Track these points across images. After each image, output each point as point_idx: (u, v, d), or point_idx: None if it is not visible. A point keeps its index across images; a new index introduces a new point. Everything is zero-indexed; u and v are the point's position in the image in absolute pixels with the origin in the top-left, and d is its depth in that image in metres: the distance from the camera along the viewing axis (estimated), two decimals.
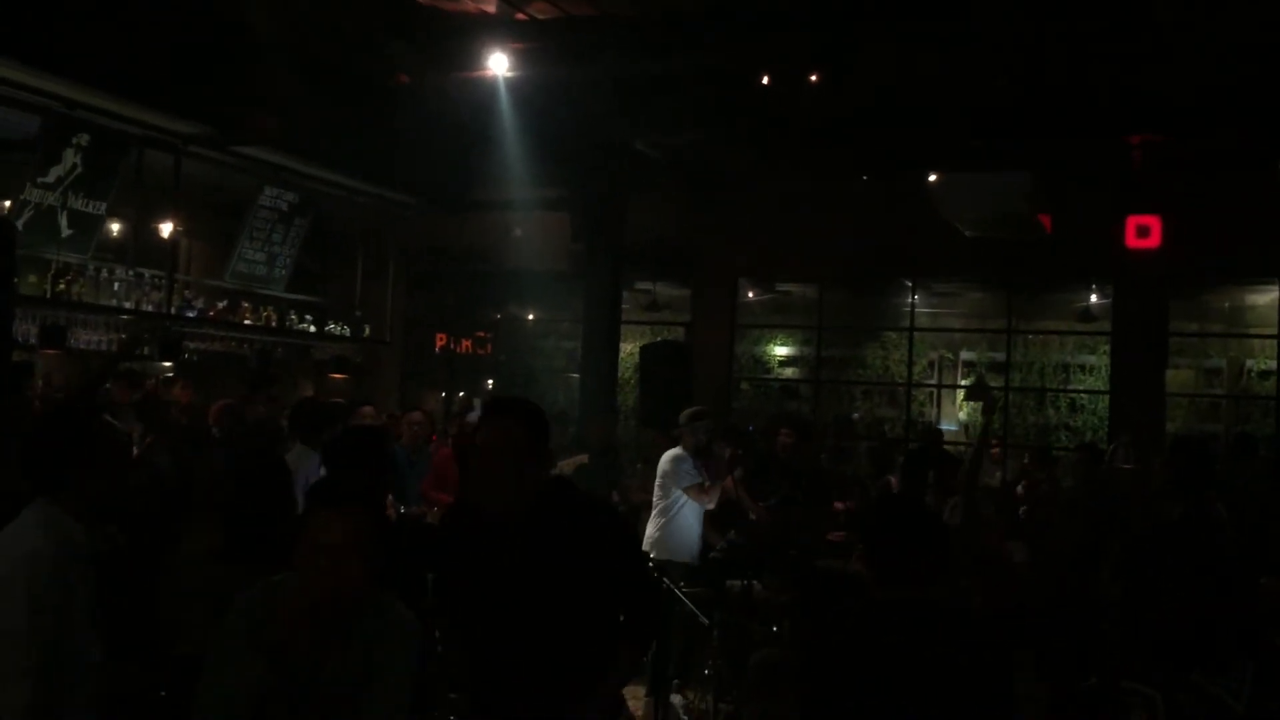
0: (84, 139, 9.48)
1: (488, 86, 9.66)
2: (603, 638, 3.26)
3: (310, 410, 7.17)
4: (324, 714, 2.68)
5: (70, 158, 9.46)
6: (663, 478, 7.59)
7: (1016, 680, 3.07)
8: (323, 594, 2.65)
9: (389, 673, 2.72)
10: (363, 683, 2.69)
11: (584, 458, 8.47)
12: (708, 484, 7.48)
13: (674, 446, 7.67)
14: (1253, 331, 13.26)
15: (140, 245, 10.73)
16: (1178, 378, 13.11)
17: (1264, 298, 13.04)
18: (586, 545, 3.24)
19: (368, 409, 8.87)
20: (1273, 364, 12.70)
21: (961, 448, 13.81)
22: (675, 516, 7.47)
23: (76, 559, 3.07)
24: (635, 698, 6.96)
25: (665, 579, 6.35)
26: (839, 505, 8.64)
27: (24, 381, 7.37)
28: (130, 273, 10.46)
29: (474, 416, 8.46)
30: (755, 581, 7.13)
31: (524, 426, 3.25)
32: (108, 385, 9.82)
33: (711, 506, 7.58)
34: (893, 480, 10.73)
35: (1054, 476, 9.50)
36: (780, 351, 15.02)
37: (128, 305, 10.35)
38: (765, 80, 9.82)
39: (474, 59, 9.37)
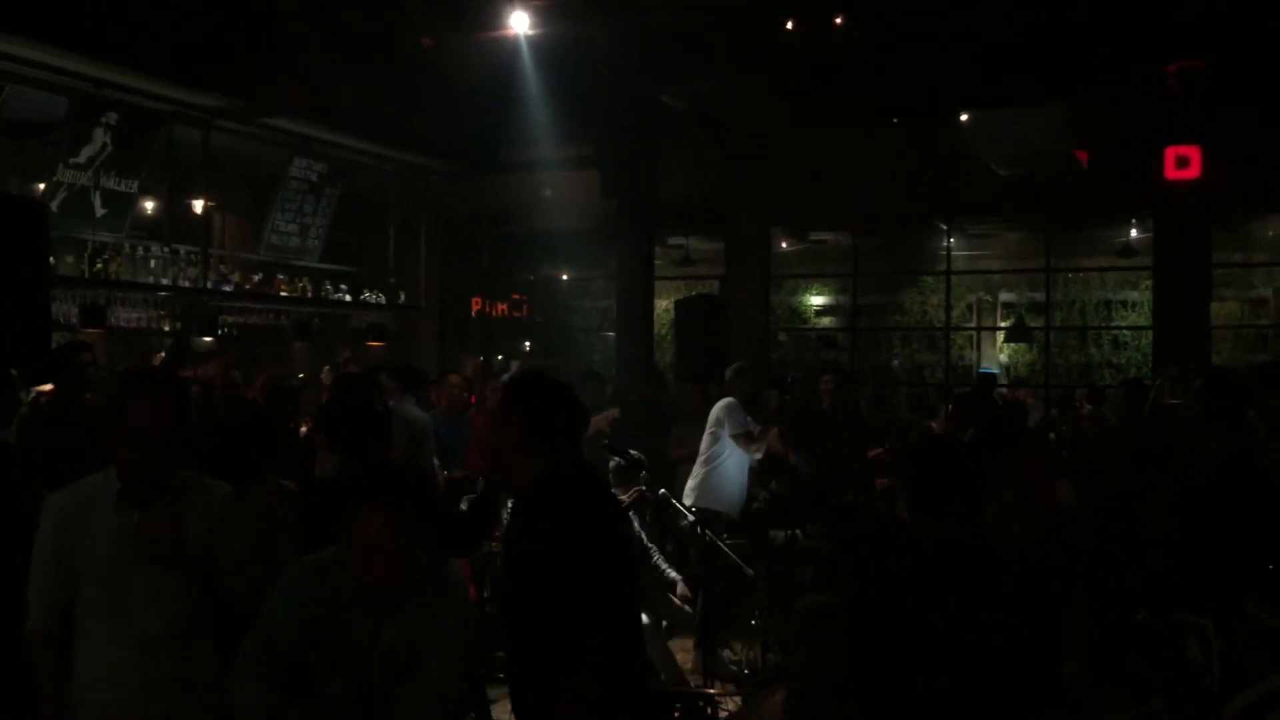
0: (113, 118, 9.52)
1: (510, 45, 9.62)
2: (545, 651, 3.03)
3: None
4: (381, 682, 2.74)
5: (100, 137, 9.51)
6: (714, 425, 7.63)
7: (1065, 616, 3.04)
8: (371, 587, 2.72)
9: (442, 639, 2.79)
10: (417, 649, 2.77)
11: (615, 412, 8.48)
12: (756, 432, 7.50)
13: (717, 401, 7.70)
14: None
15: (174, 221, 10.79)
16: (1222, 309, 12.90)
17: None
18: (536, 560, 3.05)
19: (454, 377, 8.92)
20: None
21: (1003, 389, 13.75)
22: (719, 466, 7.52)
23: None
24: (684, 650, 7.00)
25: (708, 532, 6.37)
26: (875, 451, 8.60)
27: (78, 357, 7.43)
28: (165, 249, 10.54)
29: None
30: (799, 531, 7.13)
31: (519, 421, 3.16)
32: (159, 360, 9.94)
33: (759, 455, 7.60)
34: (934, 426, 10.70)
35: (1100, 414, 9.40)
36: (816, 301, 14.93)
37: (164, 282, 10.43)
38: (790, 25, 9.69)
39: (495, 18, 9.32)
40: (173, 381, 3.21)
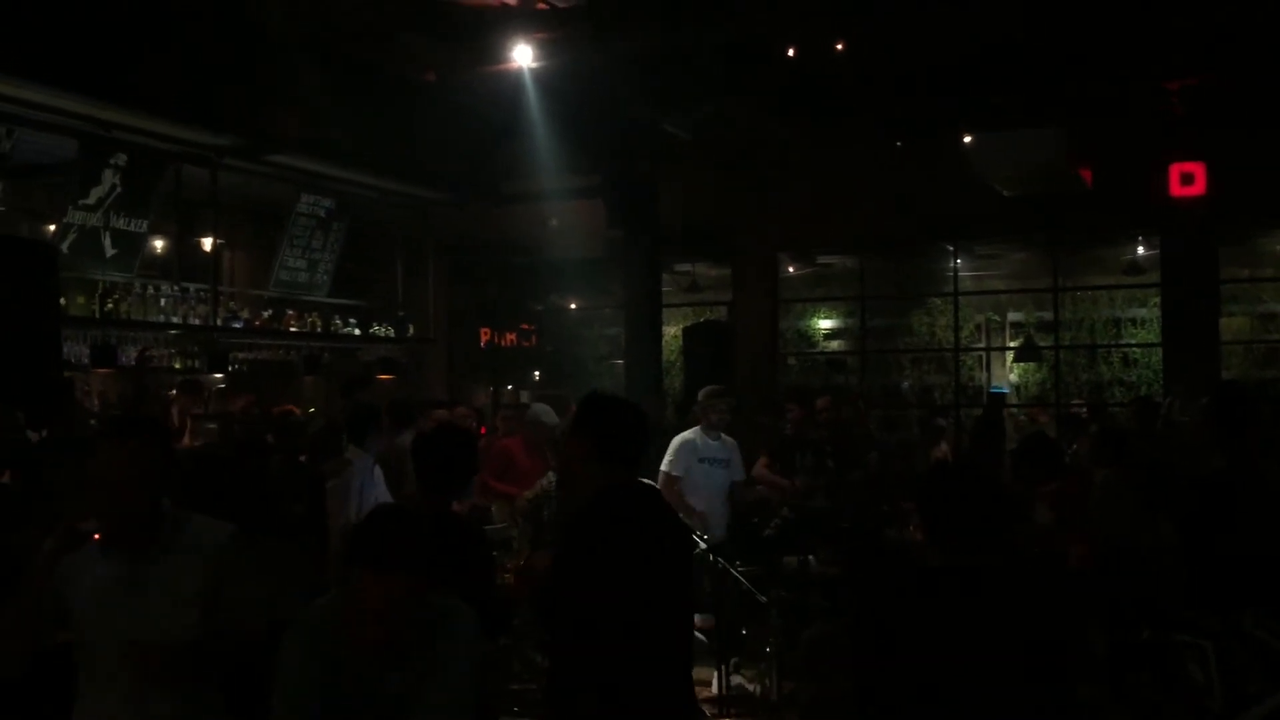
0: (121, 159, 9.62)
1: (513, 78, 9.68)
2: (590, 662, 3.24)
3: (358, 413, 7.25)
4: (390, 716, 2.79)
5: (109, 178, 9.60)
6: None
7: (1082, 641, 3.03)
8: (365, 648, 2.76)
9: (450, 671, 2.82)
10: (426, 681, 2.80)
11: None
12: (674, 475, 7.42)
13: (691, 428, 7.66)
14: None
15: (183, 260, 10.87)
16: (1232, 325, 12.86)
17: None
18: (587, 570, 3.26)
19: (461, 409, 8.94)
20: None
21: (1014, 409, 13.71)
22: (685, 495, 7.45)
23: None
24: (696, 678, 6.97)
25: (720, 559, 6.36)
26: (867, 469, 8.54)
27: (67, 397, 7.49)
28: (175, 288, 10.61)
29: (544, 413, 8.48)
30: (810, 557, 7.10)
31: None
32: (172, 395, 10.00)
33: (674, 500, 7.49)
34: (944, 448, 10.68)
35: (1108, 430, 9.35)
36: (824, 324, 14.94)
37: (175, 320, 10.50)
38: (791, 52, 9.74)
39: (498, 51, 9.39)
40: (139, 429, 3.14)
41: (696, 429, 7.63)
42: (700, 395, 7.71)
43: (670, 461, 7.47)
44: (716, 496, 7.56)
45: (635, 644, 3.17)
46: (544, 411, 8.46)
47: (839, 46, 9.61)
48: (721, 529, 7.54)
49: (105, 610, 3.02)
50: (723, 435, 7.65)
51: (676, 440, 7.59)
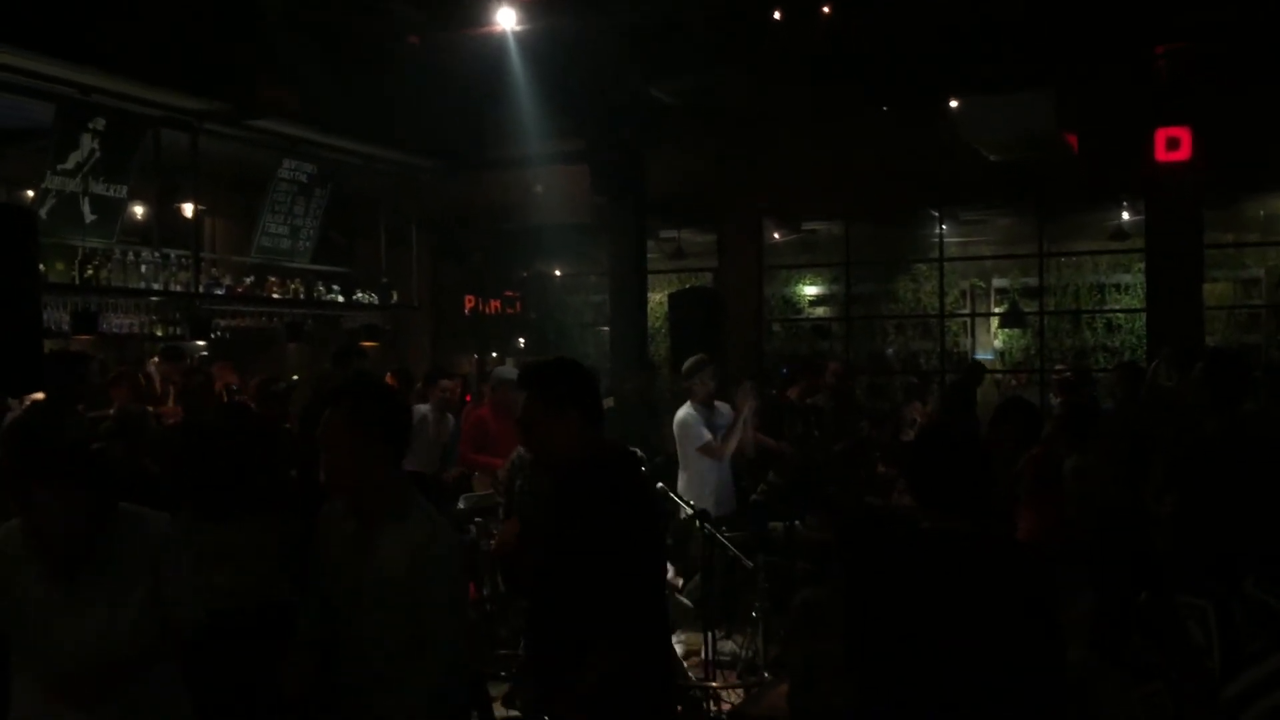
0: (100, 123, 9.48)
1: (498, 42, 9.58)
2: (581, 626, 3.21)
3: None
4: (379, 600, 3.01)
5: (88, 143, 9.47)
6: (678, 441, 7.56)
7: (1066, 601, 3.03)
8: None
9: (435, 568, 3.01)
10: (412, 576, 2.99)
11: (609, 401, 8.39)
12: (717, 443, 7.40)
13: (685, 403, 7.60)
14: None
15: (164, 226, 10.75)
16: (1215, 290, 12.91)
17: None
18: (589, 530, 3.24)
19: (444, 382, 8.90)
20: None
21: (1000, 376, 13.77)
22: (694, 472, 7.45)
23: None
24: (683, 643, 7.00)
25: (708, 525, 6.37)
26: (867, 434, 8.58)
27: (83, 368, 7.41)
28: (156, 254, 10.50)
29: (508, 371, 8.42)
30: (797, 522, 7.12)
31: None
32: (154, 363, 9.93)
33: (724, 458, 7.49)
34: (917, 406, 10.72)
35: (1093, 396, 9.40)
36: (810, 291, 14.93)
37: (156, 286, 10.40)
38: (777, 16, 9.67)
39: (481, 14, 9.29)
40: (69, 473, 2.98)
41: (687, 405, 7.58)
42: (685, 369, 7.64)
43: (699, 433, 7.39)
44: (719, 468, 7.53)
45: (624, 609, 3.21)
46: (509, 371, 8.39)
47: (825, 10, 9.53)
48: (731, 502, 7.53)
49: (43, 610, 2.99)
50: (716, 403, 7.60)
51: (681, 417, 7.52)
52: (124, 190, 9.94)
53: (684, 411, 7.54)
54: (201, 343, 10.75)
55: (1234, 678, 2.29)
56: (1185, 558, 2.45)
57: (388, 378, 9.07)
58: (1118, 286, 13.65)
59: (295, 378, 10.94)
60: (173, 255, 10.72)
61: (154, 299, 10.46)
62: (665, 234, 14.47)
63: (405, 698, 2.98)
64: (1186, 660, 2.31)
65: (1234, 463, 2.46)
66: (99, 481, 3.00)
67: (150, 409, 7.30)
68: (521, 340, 14.31)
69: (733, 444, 7.42)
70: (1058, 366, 12.51)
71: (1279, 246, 13.14)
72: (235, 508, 4.05)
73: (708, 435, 7.40)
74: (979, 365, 12.23)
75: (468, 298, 13.87)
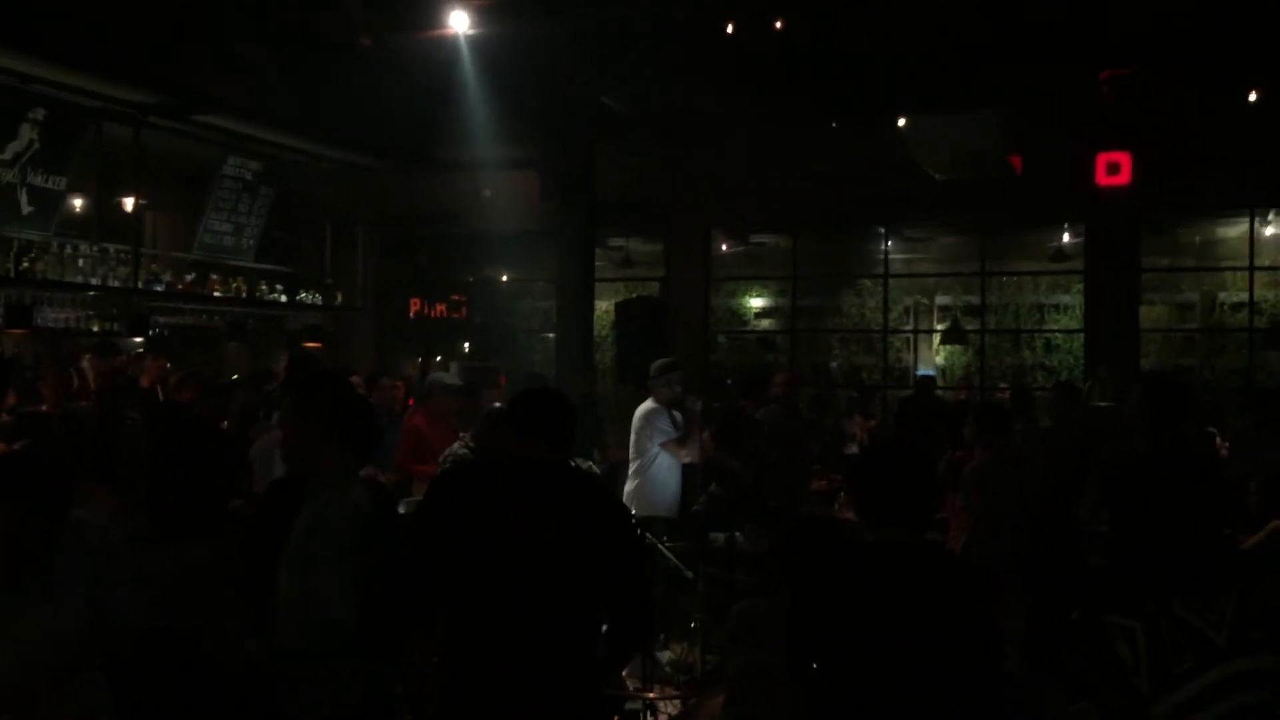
0: (40, 113, 9.31)
1: (450, 45, 9.53)
2: (583, 631, 3.24)
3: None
4: (291, 564, 3.25)
5: (27, 133, 9.30)
6: (636, 434, 7.49)
7: (1000, 617, 3.07)
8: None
9: (333, 536, 3.22)
10: (314, 539, 3.23)
11: None
12: (683, 439, 7.44)
13: (646, 400, 7.61)
14: (1224, 264, 13.33)
15: (103, 220, 10.57)
16: (1151, 313, 13.18)
17: (1234, 230, 13.10)
18: (586, 529, 3.25)
19: (355, 378, 8.79)
20: (1244, 296, 12.77)
21: (940, 391, 13.94)
22: (650, 472, 7.42)
23: None
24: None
25: (648, 534, 6.36)
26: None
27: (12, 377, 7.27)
28: (95, 248, 10.32)
29: (446, 377, 8.35)
30: (738, 534, 7.14)
31: None
32: (86, 359, 9.73)
33: (689, 460, 7.53)
34: (858, 420, 10.81)
35: (1031, 416, 9.54)
36: (756, 303, 15.01)
37: (94, 281, 10.21)
38: (730, 28, 9.72)
39: (435, 17, 9.23)
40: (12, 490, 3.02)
41: (651, 402, 7.57)
42: (653, 369, 7.63)
43: (662, 430, 7.39)
44: (677, 470, 7.54)
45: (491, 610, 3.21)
46: (444, 377, 8.31)
47: (778, 24, 9.59)
48: (676, 510, 7.52)
49: None
50: (672, 411, 7.60)
51: (646, 410, 7.51)
52: (63, 182, 9.77)
53: (647, 406, 7.49)
54: (138, 339, 10.57)
55: (1161, 698, 2.33)
56: (1117, 576, 2.49)
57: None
58: (1057, 307, 13.88)
59: (235, 377, 10.79)
60: (112, 250, 10.54)
61: (91, 294, 10.28)
62: (614, 242, 14.48)
63: (310, 666, 3.21)
64: (1115, 679, 2.35)
65: (1164, 483, 2.51)
66: (45, 495, 3.02)
67: (83, 404, 7.16)
68: (466, 345, 14.23)
69: (693, 445, 7.43)
70: (1001, 385, 12.69)
71: (1214, 272, 13.44)
72: (191, 527, 3.95)
73: (672, 431, 7.40)
74: (930, 380, 12.39)
75: (413, 300, 13.79)
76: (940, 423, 9.55)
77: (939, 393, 13.87)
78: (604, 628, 3.37)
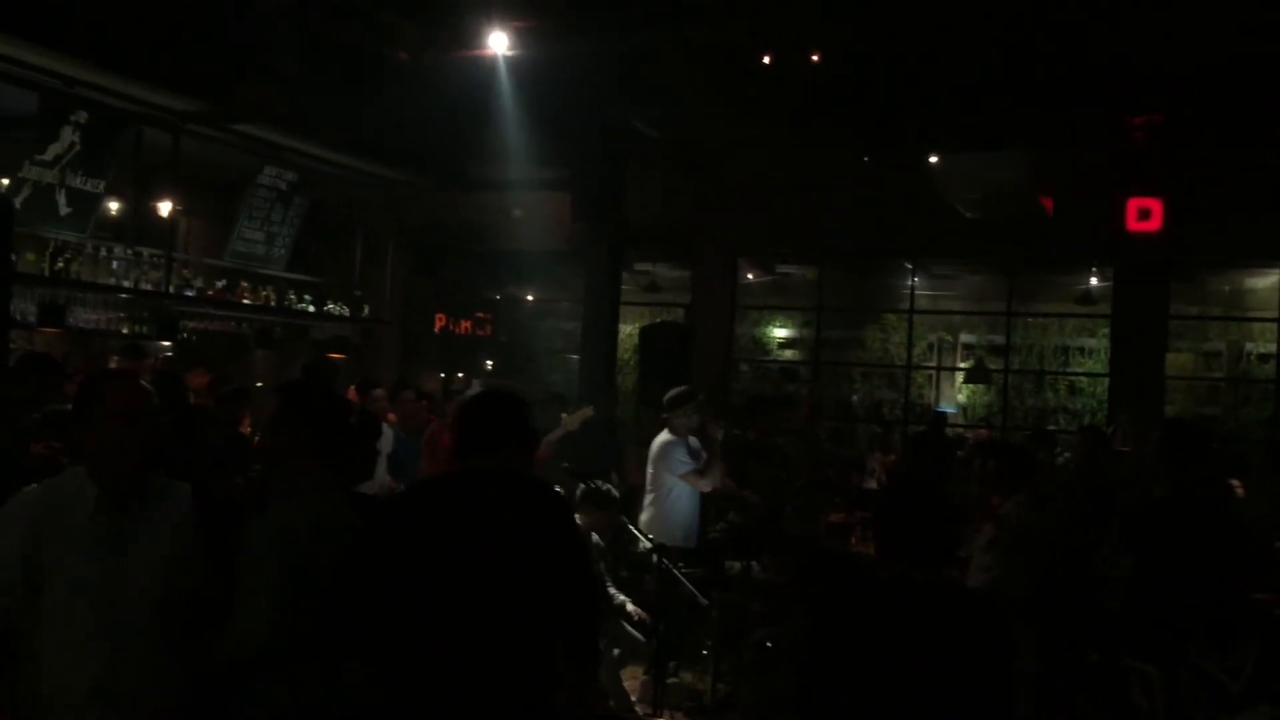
0: (82, 116, 9.43)
1: (487, 64, 9.64)
2: (539, 649, 3.10)
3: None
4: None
5: (68, 135, 9.41)
6: (654, 465, 7.50)
7: (1016, 659, 3.07)
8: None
9: (272, 551, 3.11)
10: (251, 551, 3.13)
11: (589, 411, 8.30)
12: (703, 469, 7.44)
13: (663, 430, 7.61)
14: (1252, 315, 13.26)
15: (139, 224, 10.68)
16: (1177, 361, 13.11)
17: (1264, 281, 13.03)
18: (534, 542, 3.10)
19: (379, 391, 8.84)
20: (1272, 347, 12.70)
21: (961, 430, 13.90)
22: (668, 501, 7.43)
23: None
24: (634, 677, 6.98)
25: (664, 560, 6.37)
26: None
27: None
28: (129, 251, 10.42)
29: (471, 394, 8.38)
30: (754, 563, 7.14)
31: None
32: (115, 361, 9.81)
33: (710, 489, 7.53)
34: (878, 455, 10.79)
35: (1050, 459, 9.50)
36: (780, 333, 15.02)
37: (126, 284, 10.32)
38: (766, 60, 9.79)
39: (474, 37, 9.34)
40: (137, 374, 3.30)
41: (667, 433, 7.57)
42: (666, 401, 7.64)
43: (680, 462, 7.39)
44: (696, 499, 7.54)
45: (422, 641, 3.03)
46: (470, 394, 8.31)
47: (814, 58, 9.66)
48: (694, 538, 7.52)
49: (91, 569, 2.97)
50: (690, 439, 7.60)
51: (664, 442, 7.50)
52: (101, 185, 9.88)
53: (665, 437, 7.51)
54: (167, 343, 10.66)
55: None
56: (1135, 621, 2.49)
57: (350, 390, 9.01)
58: (1082, 350, 13.83)
59: (260, 384, 10.87)
60: (145, 253, 10.64)
61: (123, 296, 10.38)
62: (640, 266, 14.53)
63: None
64: None
65: (1183, 530, 2.51)
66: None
67: None
68: (490, 362, 14.29)
69: (715, 473, 7.43)
70: (1024, 429, 12.63)
71: (1241, 322, 13.37)
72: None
73: (690, 463, 7.41)
74: (942, 415, 12.36)
75: (439, 316, 13.86)
76: (952, 459, 9.54)
77: (960, 430, 13.85)
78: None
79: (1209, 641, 2.38)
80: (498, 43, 9.28)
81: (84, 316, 10.03)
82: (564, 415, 7.03)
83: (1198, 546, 2.48)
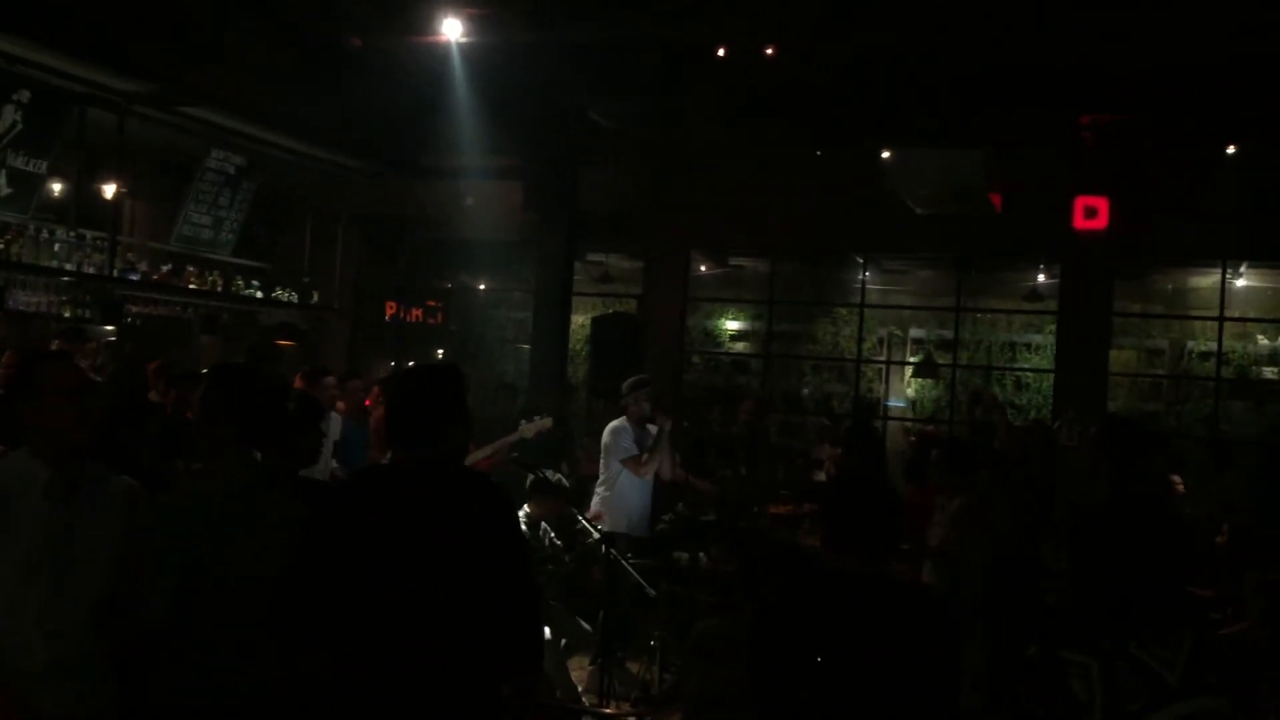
0: (24, 95, 9.24)
1: (441, 51, 9.56)
2: (485, 641, 3.03)
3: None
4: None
5: (10, 114, 9.23)
6: (603, 450, 7.61)
7: (963, 652, 3.11)
8: None
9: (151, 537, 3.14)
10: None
11: (548, 422, 8.30)
12: (644, 456, 7.47)
13: (619, 417, 7.66)
14: (1194, 313, 13.49)
15: (82, 206, 10.49)
16: (1120, 358, 13.31)
17: (1206, 280, 13.26)
18: (478, 535, 3.05)
19: (330, 378, 8.75)
20: (1213, 346, 12.93)
21: (909, 424, 14.03)
22: (615, 488, 7.49)
23: None
24: (580, 667, 6.98)
25: (613, 550, 6.37)
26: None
27: None
28: (72, 234, 10.24)
29: None
30: (702, 554, 7.18)
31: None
32: (55, 345, 9.62)
33: (647, 476, 7.55)
34: (827, 448, 10.88)
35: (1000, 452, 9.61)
36: (731, 325, 15.05)
37: (69, 267, 10.14)
38: (721, 52, 9.79)
39: (428, 23, 9.26)
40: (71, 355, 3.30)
41: (623, 419, 7.61)
42: (624, 387, 7.68)
43: (627, 445, 7.46)
44: (646, 488, 7.56)
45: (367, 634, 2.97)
46: None
47: (769, 51, 9.67)
48: (645, 527, 7.55)
49: (35, 552, 3.01)
50: (647, 426, 7.65)
51: (613, 428, 7.56)
52: (44, 166, 9.70)
53: (616, 423, 7.59)
54: (110, 327, 10.48)
55: None
56: (1075, 615, 2.52)
57: (296, 379, 8.90)
58: (1029, 346, 13.99)
59: (205, 371, 10.71)
60: (89, 236, 10.47)
61: (65, 279, 10.19)
62: (593, 257, 14.50)
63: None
64: (1069, 716, 2.38)
65: (1124, 525, 2.55)
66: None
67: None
68: (440, 351, 14.20)
69: (654, 464, 7.48)
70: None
71: (1184, 320, 13.60)
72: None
73: (635, 450, 7.44)
74: (869, 406, 12.49)
75: (389, 304, 13.74)
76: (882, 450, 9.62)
77: (907, 425, 13.99)
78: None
79: (1148, 634, 2.41)
80: (451, 29, 9.20)
81: (24, 299, 9.85)
82: (523, 423, 7.08)
83: (1141, 542, 2.51)
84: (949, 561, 5.46)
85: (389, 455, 3.28)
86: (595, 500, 7.58)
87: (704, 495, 8.02)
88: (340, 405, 8.42)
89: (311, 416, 4.06)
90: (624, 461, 7.43)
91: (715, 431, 8.64)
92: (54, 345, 9.44)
